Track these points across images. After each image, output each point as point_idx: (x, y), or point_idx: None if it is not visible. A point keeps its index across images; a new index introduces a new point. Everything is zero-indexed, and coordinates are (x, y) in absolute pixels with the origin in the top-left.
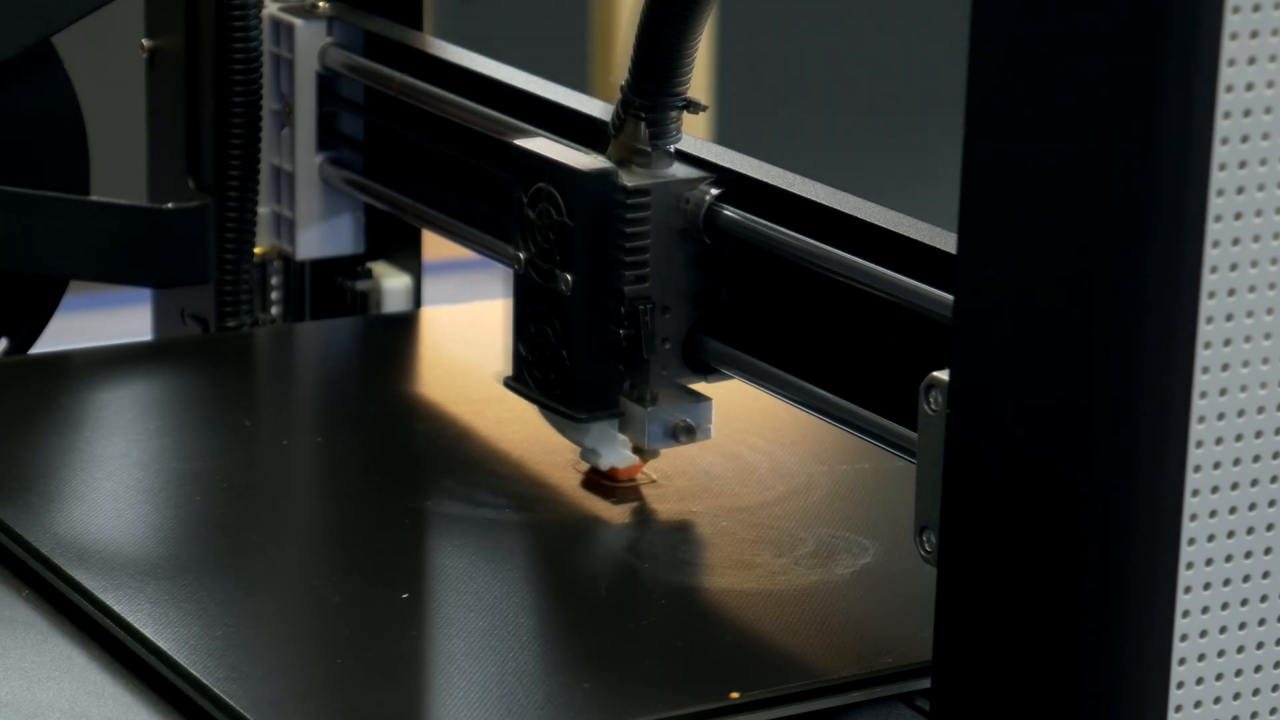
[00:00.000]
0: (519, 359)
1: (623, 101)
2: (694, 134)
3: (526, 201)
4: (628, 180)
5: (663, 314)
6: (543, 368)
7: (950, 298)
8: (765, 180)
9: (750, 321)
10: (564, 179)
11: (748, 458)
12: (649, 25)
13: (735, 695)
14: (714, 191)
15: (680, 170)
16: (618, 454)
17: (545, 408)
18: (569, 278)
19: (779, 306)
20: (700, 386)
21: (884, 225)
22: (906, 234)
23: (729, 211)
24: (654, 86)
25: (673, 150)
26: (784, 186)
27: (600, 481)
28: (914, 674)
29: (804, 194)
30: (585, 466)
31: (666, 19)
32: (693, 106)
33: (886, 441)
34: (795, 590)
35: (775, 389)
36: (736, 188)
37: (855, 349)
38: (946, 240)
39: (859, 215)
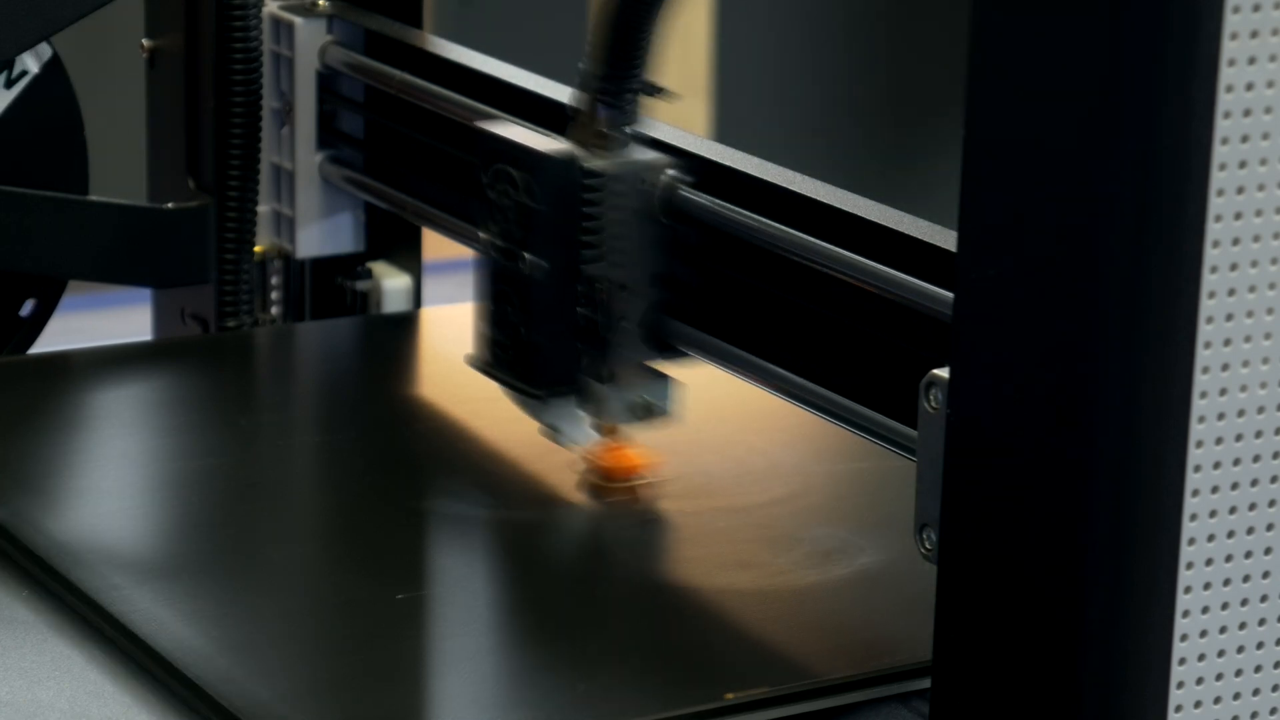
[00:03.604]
0: (488, 341)
1: (583, 85)
2: (694, 132)
3: (489, 183)
4: (594, 164)
5: (623, 294)
6: (505, 346)
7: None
8: (724, 162)
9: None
10: (526, 161)
11: (749, 458)
12: (610, 9)
13: (730, 696)
14: (673, 174)
15: (641, 153)
16: (580, 432)
17: (508, 386)
18: (530, 258)
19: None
20: (672, 370)
21: (842, 207)
22: (862, 215)
23: (688, 193)
24: (615, 71)
25: (633, 133)
26: (742, 169)
27: (599, 482)
28: (913, 674)
29: (761, 176)
30: (584, 467)
31: (632, 5)
32: (659, 92)
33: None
34: (794, 590)
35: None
36: (696, 170)
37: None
38: (905, 222)
39: (816, 197)
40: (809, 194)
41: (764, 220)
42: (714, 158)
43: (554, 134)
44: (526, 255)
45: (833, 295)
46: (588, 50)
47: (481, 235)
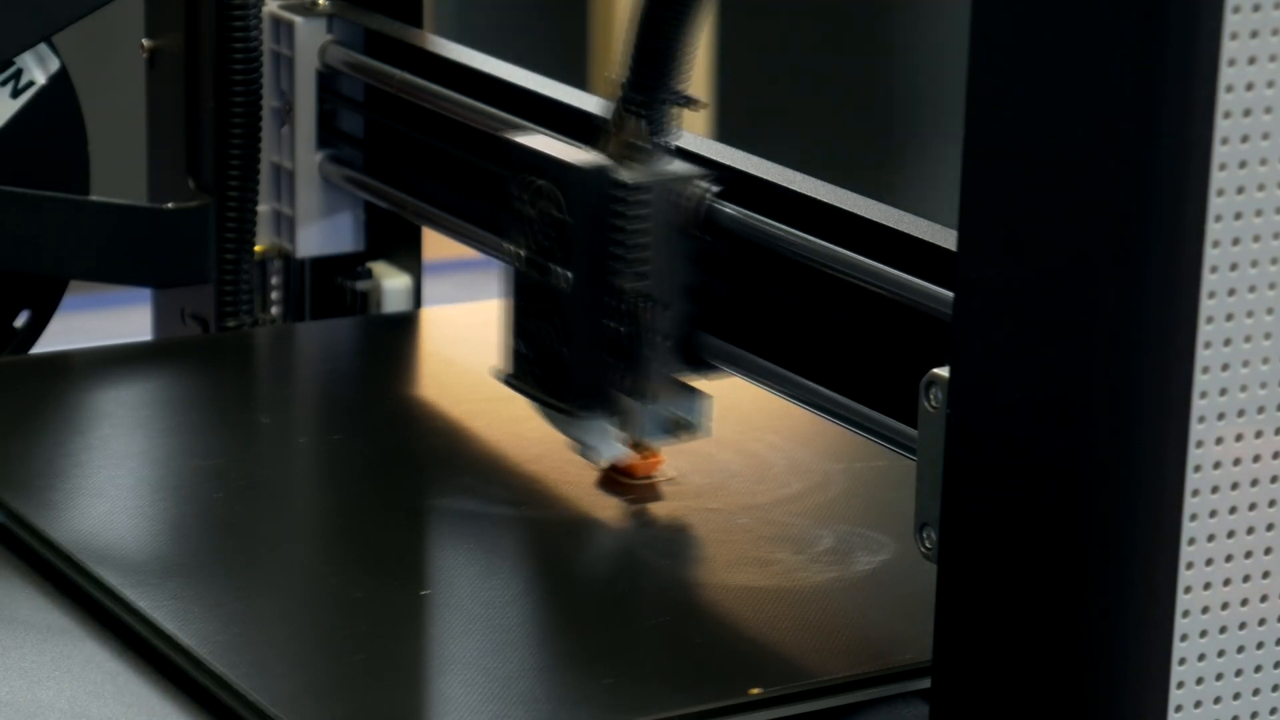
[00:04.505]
0: (517, 355)
1: (621, 98)
2: (693, 133)
3: (525, 198)
4: (626, 176)
5: (660, 310)
6: (540, 364)
7: (947, 293)
8: (763, 176)
9: (748, 318)
10: (563, 175)
11: (765, 455)
12: (647, 22)
13: (757, 691)
14: (712, 188)
15: (678, 166)
16: (614, 449)
17: (542, 404)
18: (568, 274)
19: (776, 302)
20: (700, 383)
21: (880, 221)
22: (903, 229)
23: (727, 208)
24: (652, 83)
25: (671, 146)
26: (781, 183)
27: (615, 479)
28: (913, 674)
29: (802, 190)
30: (599, 464)
31: (665, 16)
32: (691, 103)
33: (886, 438)
34: (808, 588)
35: (772, 385)
36: (734, 184)
37: (852, 344)
38: (941, 235)
39: (856, 211)
40: (840, 205)
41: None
42: (745, 168)
43: (584, 145)
44: (557, 268)
45: (832, 294)
46: (624, 63)
47: (510, 248)
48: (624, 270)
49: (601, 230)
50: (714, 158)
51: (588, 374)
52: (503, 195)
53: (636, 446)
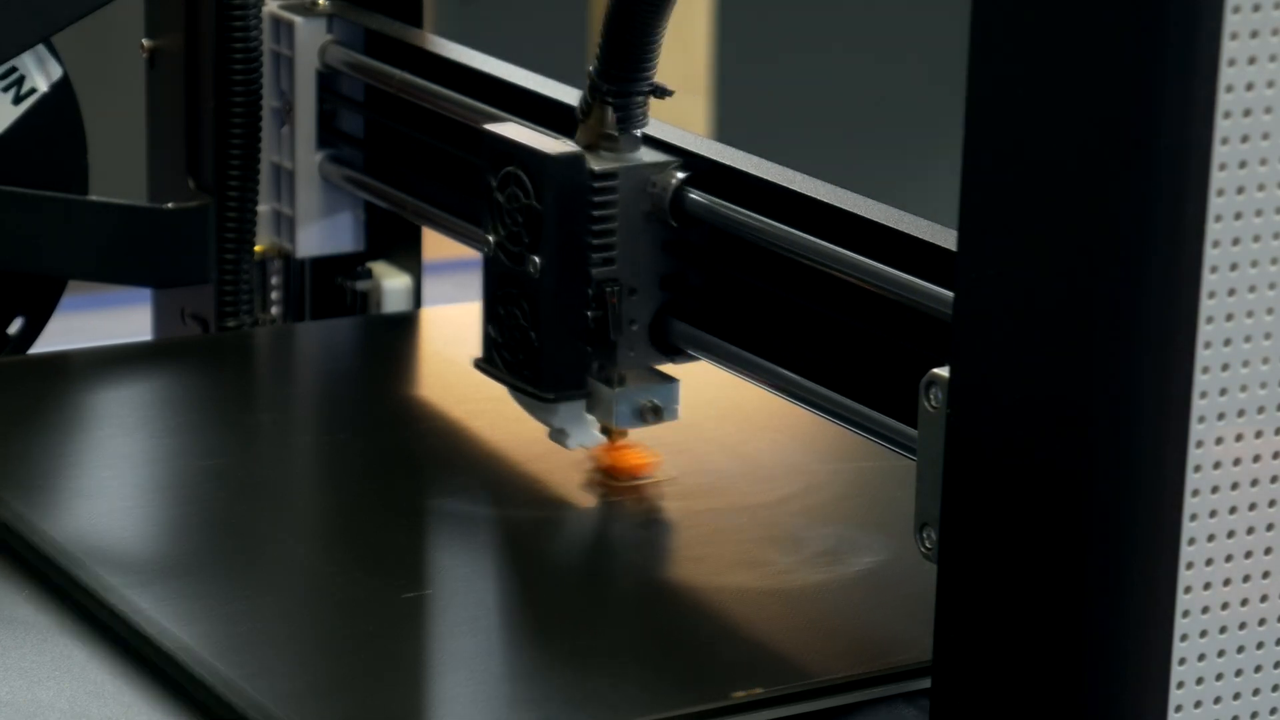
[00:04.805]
0: (489, 341)
1: (591, 87)
2: (694, 131)
3: (496, 185)
4: (595, 164)
5: (630, 296)
6: (512, 349)
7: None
8: (731, 164)
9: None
10: (532, 163)
11: (764, 455)
12: (617, 11)
13: (739, 694)
14: (681, 175)
15: (647, 154)
16: (587, 434)
17: (514, 389)
18: (537, 260)
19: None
20: (673, 370)
21: (846, 208)
22: (870, 217)
23: (695, 195)
24: (621, 72)
25: (640, 135)
26: (749, 170)
27: (613, 480)
28: (914, 674)
29: (769, 178)
30: (593, 465)
31: (634, 5)
32: (660, 92)
33: (885, 438)
34: (808, 588)
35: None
36: (703, 172)
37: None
38: (912, 224)
39: (822, 198)
40: (809, 193)
41: (764, 220)
42: (715, 156)
43: (560, 135)
44: (533, 257)
45: (832, 294)
46: (594, 52)
47: (488, 238)
48: (593, 256)
49: (571, 217)
50: (683, 145)
51: (558, 359)
52: (479, 184)
53: (608, 432)
